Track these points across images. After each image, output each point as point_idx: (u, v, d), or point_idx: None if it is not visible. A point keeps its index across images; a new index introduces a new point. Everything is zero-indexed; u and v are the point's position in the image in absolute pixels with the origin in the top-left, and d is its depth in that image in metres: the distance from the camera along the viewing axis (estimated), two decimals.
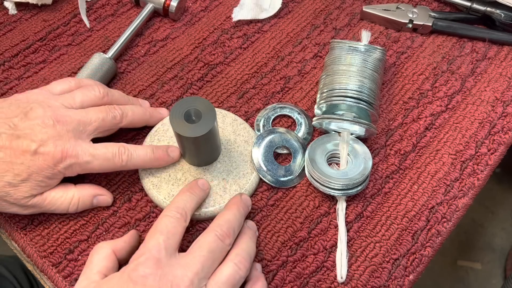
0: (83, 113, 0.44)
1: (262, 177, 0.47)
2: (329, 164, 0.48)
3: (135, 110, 0.47)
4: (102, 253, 0.39)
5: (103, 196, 0.45)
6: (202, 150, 0.44)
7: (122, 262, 0.41)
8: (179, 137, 0.42)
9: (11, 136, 0.40)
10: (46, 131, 0.41)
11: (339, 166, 0.48)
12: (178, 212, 0.39)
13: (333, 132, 0.50)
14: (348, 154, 0.47)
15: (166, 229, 0.38)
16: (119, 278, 0.36)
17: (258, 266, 0.42)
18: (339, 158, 0.48)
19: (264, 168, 0.47)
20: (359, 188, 0.45)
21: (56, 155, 0.40)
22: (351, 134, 0.48)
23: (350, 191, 0.45)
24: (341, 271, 0.43)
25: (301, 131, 0.51)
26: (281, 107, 0.53)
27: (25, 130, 0.40)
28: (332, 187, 0.45)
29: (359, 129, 0.48)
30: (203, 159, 0.46)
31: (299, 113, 0.52)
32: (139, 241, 0.43)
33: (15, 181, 0.40)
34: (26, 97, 0.43)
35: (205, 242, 0.38)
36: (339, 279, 0.43)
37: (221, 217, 0.40)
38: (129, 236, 0.42)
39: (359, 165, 0.46)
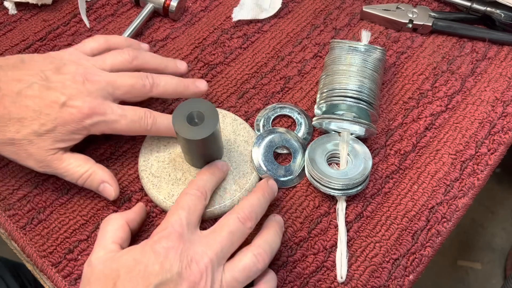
0: (113, 76, 0.44)
1: (262, 177, 0.47)
2: (329, 164, 0.48)
3: (168, 81, 0.47)
4: (116, 224, 0.40)
5: (110, 186, 0.45)
6: (205, 152, 0.44)
7: (133, 233, 0.42)
8: (182, 140, 0.42)
9: (42, 87, 0.41)
10: (76, 87, 0.42)
11: (339, 166, 0.48)
12: (199, 190, 0.41)
13: (333, 132, 0.50)
14: (348, 154, 0.47)
15: (187, 206, 0.39)
16: (141, 249, 0.36)
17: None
18: (339, 158, 0.48)
19: (264, 168, 0.47)
20: (359, 188, 0.45)
21: (83, 110, 0.41)
22: (351, 134, 0.48)
23: (350, 191, 0.45)
24: (341, 271, 0.43)
25: (301, 131, 0.51)
26: (281, 107, 0.53)
27: (56, 83, 0.42)
28: (332, 187, 0.45)
29: (359, 129, 0.48)
30: (205, 161, 0.46)
31: (299, 113, 0.52)
32: (147, 212, 0.44)
33: (40, 131, 0.41)
34: (60, 55, 0.45)
35: (227, 223, 0.38)
36: (339, 279, 0.43)
37: (245, 200, 0.40)
38: (139, 207, 0.43)
39: (359, 165, 0.46)
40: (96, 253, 0.38)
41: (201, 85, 0.49)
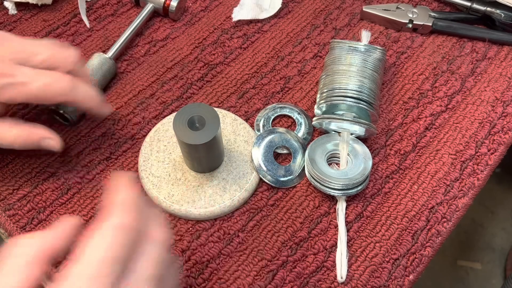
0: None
1: (262, 177, 0.47)
2: (329, 164, 0.48)
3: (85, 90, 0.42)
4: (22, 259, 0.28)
5: (50, 140, 0.42)
6: (206, 157, 0.44)
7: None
8: (183, 145, 0.42)
9: None
10: None
11: (339, 166, 0.48)
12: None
13: (333, 132, 0.50)
14: (348, 154, 0.47)
15: None
16: None
17: None
18: (339, 158, 0.48)
19: (264, 168, 0.47)
20: (359, 188, 0.45)
21: None
22: (351, 134, 0.48)
23: (350, 191, 0.45)
24: (341, 271, 0.43)
25: (301, 131, 0.51)
26: (281, 107, 0.53)
27: None
28: (332, 187, 0.45)
29: (359, 129, 0.48)
30: (206, 166, 0.46)
31: (299, 113, 0.52)
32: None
33: None
34: None
35: None
36: (339, 279, 0.43)
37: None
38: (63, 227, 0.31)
39: (359, 165, 0.46)
40: None
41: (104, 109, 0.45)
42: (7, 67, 0.38)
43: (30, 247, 0.27)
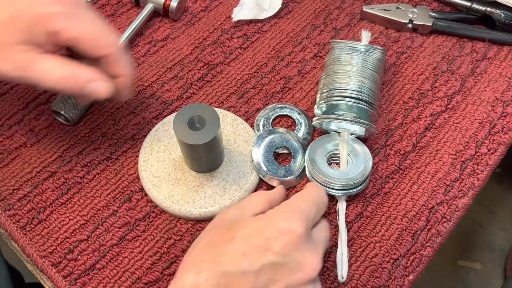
0: None
1: (262, 177, 0.47)
2: (329, 164, 0.48)
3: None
4: (259, 199, 0.38)
5: (98, 82, 0.40)
6: (206, 157, 0.44)
7: None
8: (183, 145, 0.42)
9: None
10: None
11: (339, 166, 0.47)
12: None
13: (333, 132, 0.50)
14: (348, 154, 0.47)
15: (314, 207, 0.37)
16: (269, 222, 0.35)
17: None
18: (339, 158, 0.48)
19: (264, 168, 0.47)
20: (360, 188, 0.45)
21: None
22: (351, 134, 0.48)
23: (351, 191, 0.45)
24: (342, 271, 0.43)
25: (301, 131, 0.51)
26: (281, 107, 0.53)
27: None
28: (333, 187, 0.45)
29: (359, 129, 0.48)
30: (206, 166, 0.46)
31: (299, 113, 0.52)
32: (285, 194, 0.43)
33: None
34: None
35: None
36: (339, 279, 0.42)
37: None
38: (280, 189, 0.41)
39: (359, 165, 0.46)
40: (232, 210, 0.37)
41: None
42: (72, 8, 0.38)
43: (262, 196, 0.39)
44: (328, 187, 0.45)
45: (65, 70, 0.39)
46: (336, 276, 0.43)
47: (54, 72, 0.39)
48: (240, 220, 0.35)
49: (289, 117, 0.53)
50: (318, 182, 0.46)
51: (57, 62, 0.39)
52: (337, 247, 0.44)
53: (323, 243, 0.36)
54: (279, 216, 0.34)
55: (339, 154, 0.48)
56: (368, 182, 0.47)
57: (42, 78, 0.39)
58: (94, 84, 0.40)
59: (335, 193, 0.45)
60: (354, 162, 0.46)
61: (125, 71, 0.42)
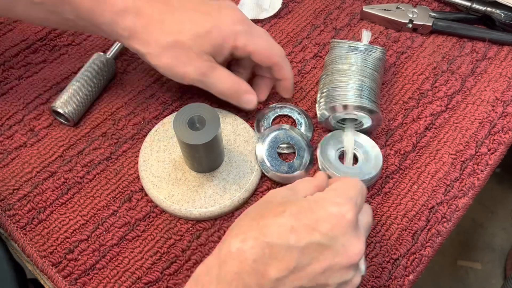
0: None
1: (265, 172, 0.47)
2: (340, 159, 0.49)
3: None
4: (309, 184, 0.40)
5: (251, 95, 0.48)
6: (206, 157, 0.44)
7: None
8: (183, 145, 0.42)
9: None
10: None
11: (354, 164, 0.49)
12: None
13: (338, 129, 0.50)
14: (356, 149, 0.48)
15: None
16: (320, 203, 0.36)
17: None
18: (349, 154, 0.49)
19: (268, 164, 0.47)
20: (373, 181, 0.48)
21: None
22: (360, 124, 0.49)
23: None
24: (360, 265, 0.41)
25: (302, 131, 0.51)
26: (281, 107, 0.53)
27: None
28: None
29: (363, 119, 0.48)
30: (206, 166, 0.46)
31: (299, 113, 0.52)
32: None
33: (201, 31, 0.45)
34: None
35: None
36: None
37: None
38: (323, 176, 0.42)
39: (370, 160, 0.47)
40: (284, 190, 0.38)
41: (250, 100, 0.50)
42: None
43: (311, 181, 0.40)
44: None
45: (232, 80, 0.47)
46: None
47: (226, 81, 0.47)
48: (292, 199, 0.36)
49: (289, 117, 0.53)
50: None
51: (228, 72, 0.47)
52: None
53: (367, 228, 0.37)
54: (330, 201, 0.35)
55: (348, 150, 0.49)
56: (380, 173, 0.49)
57: (216, 83, 0.46)
58: (249, 96, 0.48)
59: None
60: (364, 157, 0.48)
61: (289, 74, 0.50)
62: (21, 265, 0.59)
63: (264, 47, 0.47)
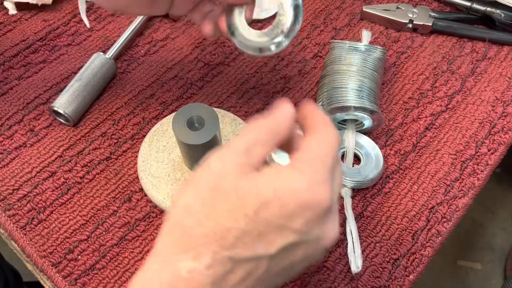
0: None
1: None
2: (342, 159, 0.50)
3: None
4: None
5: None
6: (205, 157, 0.44)
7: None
8: (182, 145, 0.42)
9: None
10: None
11: (358, 163, 0.49)
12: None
13: (339, 129, 0.50)
14: (357, 150, 0.48)
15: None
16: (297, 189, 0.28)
17: None
18: (349, 155, 0.49)
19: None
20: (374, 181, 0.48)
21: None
22: (359, 124, 0.49)
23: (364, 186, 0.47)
24: (357, 261, 0.42)
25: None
26: None
27: None
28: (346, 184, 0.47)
29: (364, 119, 0.48)
30: None
31: None
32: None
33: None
34: None
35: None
36: (354, 269, 0.41)
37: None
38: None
39: (371, 159, 0.48)
40: (233, 155, 0.28)
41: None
42: None
43: (266, 130, 0.30)
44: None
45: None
46: (336, 276, 0.43)
47: None
48: (250, 182, 0.27)
49: None
50: None
51: None
52: (337, 247, 0.44)
53: (340, 187, 0.31)
54: (301, 182, 0.27)
55: (349, 151, 0.49)
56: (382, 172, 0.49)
57: None
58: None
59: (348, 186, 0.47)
60: (366, 157, 0.48)
61: None
62: (18, 269, 0.59)
63: None
